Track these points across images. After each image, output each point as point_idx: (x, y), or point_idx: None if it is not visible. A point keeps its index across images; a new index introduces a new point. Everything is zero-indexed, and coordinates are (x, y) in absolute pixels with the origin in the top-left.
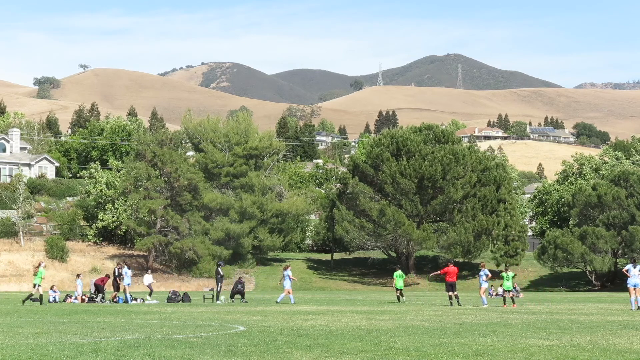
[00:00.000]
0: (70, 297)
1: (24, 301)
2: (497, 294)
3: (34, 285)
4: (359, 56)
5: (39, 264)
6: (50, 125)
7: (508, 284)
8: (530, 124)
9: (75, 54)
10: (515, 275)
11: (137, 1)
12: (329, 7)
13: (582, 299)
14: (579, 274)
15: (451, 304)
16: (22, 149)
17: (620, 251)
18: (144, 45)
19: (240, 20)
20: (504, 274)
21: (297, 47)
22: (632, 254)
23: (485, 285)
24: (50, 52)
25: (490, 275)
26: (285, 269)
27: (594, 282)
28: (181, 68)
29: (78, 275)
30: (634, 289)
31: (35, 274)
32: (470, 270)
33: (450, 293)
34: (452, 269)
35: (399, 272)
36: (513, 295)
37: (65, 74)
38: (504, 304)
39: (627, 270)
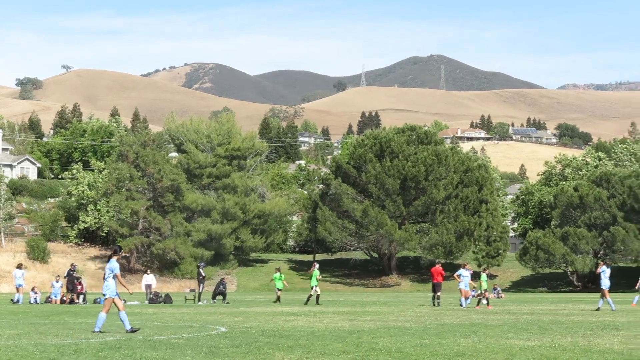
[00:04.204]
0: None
1: (305, 303)
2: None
3: (311, 287)
4: (342, 57)
5: (313, 265)
6: (33, 126)
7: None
8: (512, 124)
9: (57, 55)
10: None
11: (124, 3)
12: (313, 9)
13: (563, 300)
14: (561, 275)
15: (433, 304)
16: (3, 149)
17: (601, 252)
18: (128, 46)
19: (224, 22)
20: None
21: (281, 48)
22: (613, 255)
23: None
24: (32, 53)
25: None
26: (464, 266)
27: (575, 282)
28: (164, 69)
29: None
30: (608, 290)
31: (310, 276)
32: (452, 271)
33: (433, 293)
34: (434, 269)
35: (278, 275)
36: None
37: (47, 74)
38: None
39: (601, 273)
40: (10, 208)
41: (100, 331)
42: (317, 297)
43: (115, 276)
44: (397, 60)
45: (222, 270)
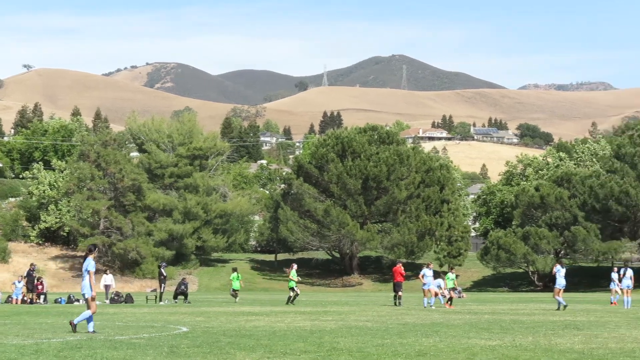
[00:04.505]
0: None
1: (287, 302)
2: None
3: (292, 289)
4: (304, 57)
5: (292, 266)
6: None
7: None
8: (474, 124)
9: (18, 54)
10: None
11: (85, 2)
12: (275, 9)
13: (524, 299)
14: (522, 275)
15: (395, 304)
16: None
17: (562, 252)
18: (89, 45)
19: (186, 21)
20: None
21: (242, 48)
22: (574, 255)
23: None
24: None
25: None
26: (427, 265)
27: (536, 282)
28: (125, 68)
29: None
30: (561, 289)
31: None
32: (413, 270)
33: (394, 293)
34: (396, 269)
35: (235, 275)
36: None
37: (8, 74)
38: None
39: (555, 272)
40: None
41: (94, 331)
42: (293, 297)
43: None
44: (359, 60)
45: (183, 270)
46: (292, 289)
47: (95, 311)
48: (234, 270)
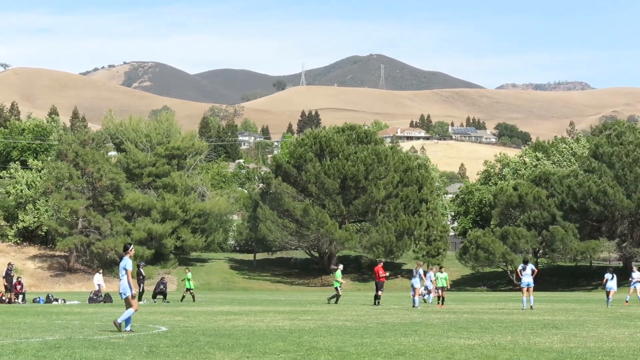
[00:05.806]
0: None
1: (328, 301)
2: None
3: (335, 288)
4: (281, 57)
5: (338, 267)
6: None
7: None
8: (452, 124)
9: None
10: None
11: (62, 0)
12: (251, 9)
13: (503, 299)
14: (500, 274)
15: (374, 303)
16: None
17: (540, 251)
18: (66, 44)
19: (163, 20)
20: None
21: (220, 47)
22: (552, 254)
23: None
24: None
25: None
26: (419, 266)
27: (514, 281)
28: (103, 67)
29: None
30: (527, 288)
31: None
32: (392, 270)
33: (375, 292)
34: (376, 268)
35: (189, 275)
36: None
37: None
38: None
39: (520, 271)
40: None
41: (131, 330)
42: (334, 297)
43: (127, 273)
44: (337, 59)
45: (162, 270)
46: (336, 288)
47: (137, 309)
48: (187, 270)
